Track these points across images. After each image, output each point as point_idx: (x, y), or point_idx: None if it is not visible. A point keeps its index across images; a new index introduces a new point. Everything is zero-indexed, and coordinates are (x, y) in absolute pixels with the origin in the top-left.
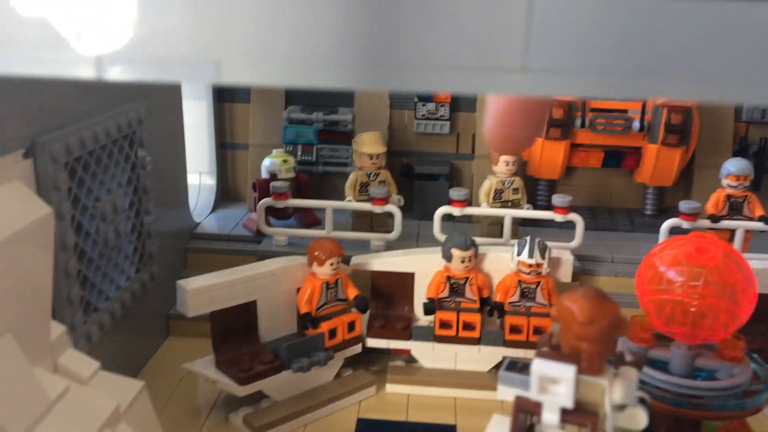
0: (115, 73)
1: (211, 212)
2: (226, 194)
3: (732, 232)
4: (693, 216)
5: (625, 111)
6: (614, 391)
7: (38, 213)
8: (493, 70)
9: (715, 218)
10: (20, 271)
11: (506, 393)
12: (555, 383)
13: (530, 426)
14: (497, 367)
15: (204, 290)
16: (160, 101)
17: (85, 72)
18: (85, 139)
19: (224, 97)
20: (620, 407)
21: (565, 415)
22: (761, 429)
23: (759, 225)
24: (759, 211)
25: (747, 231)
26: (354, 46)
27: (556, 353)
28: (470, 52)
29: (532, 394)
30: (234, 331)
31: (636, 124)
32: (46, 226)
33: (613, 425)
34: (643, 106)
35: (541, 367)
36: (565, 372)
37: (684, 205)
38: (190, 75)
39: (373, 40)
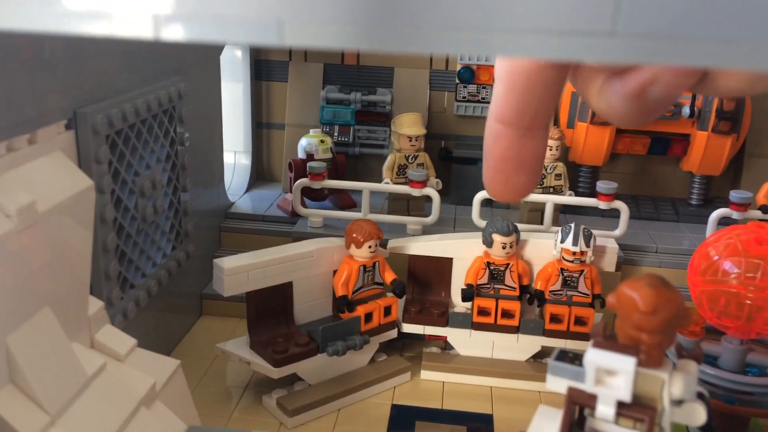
0: (173, 33)
1: (245, 192)
2: (261, 174)
3: None
4: (743, 206)
5: None
6: (674, 384)
7: (80, 185)
8: (576, 33)
9: (766, 209)
10: (60, 243)
11: (556, 384)
12: (612, 375)
13: (580, 418)
14: (535, 356)
15: (240, 270)
16: (199, 78)
17: (142, 31)
18: (127, 112)
19: (261, 75)
20: (678, 402)
21: (622, 408)
22: None
23: None
24: None
25: None
26: (429, 5)
27: (614, 343)
28: (550, 13)
29: (587, 386)
30: (269, 312)
31: (686, 110)
32: (88, 199)
33: (670, 421)
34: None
35: (597, 357)
36: (625, 364)
37: (734, 195)
38: (250, 36)
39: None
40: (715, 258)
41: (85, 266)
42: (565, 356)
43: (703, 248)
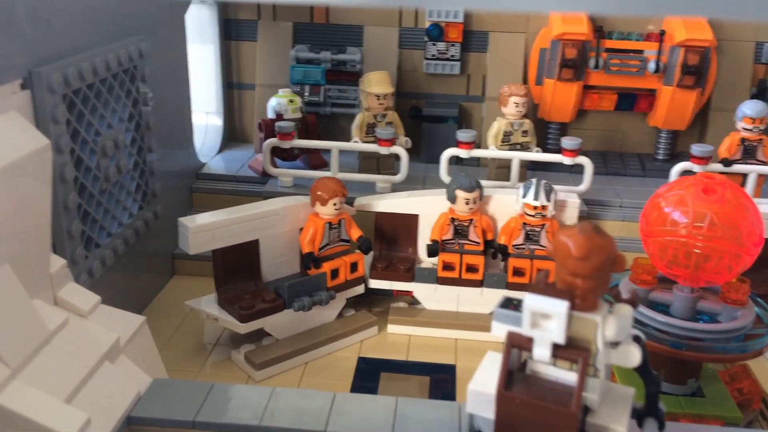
0: None
1: (217, 153)
2: (233, 135)
3: (744, 176)
4: (705, 159)
5: (640, 51)
6: (607, 327)
7: (36, 144)
8: None
9: (727, 162)
10: (18, 201)
11: (500, 329)
12: (547, 319)
13: (524, 362)
14: None
15: (205, 228)
16: (164, 37)
17: None
18: (85, 71)
19: (231, 35)
20: (614, 344)
21: (557, 350)
22: (763, 372)
23: None
24: None
25: (760, 175)
26: None
27: (550, 288)
28: None
29: (524, 330)
30: (236, 269)
31: (651, 65)
32: (44, 157)
33: (606, 362)
34: (660, 46)
35: (533, 302)
36: (557, 307)
37: (696, 149)
38: None
39: None
40: (666, 209)
41: (45, 224)
42: (509, 303)
43: (654, 199)
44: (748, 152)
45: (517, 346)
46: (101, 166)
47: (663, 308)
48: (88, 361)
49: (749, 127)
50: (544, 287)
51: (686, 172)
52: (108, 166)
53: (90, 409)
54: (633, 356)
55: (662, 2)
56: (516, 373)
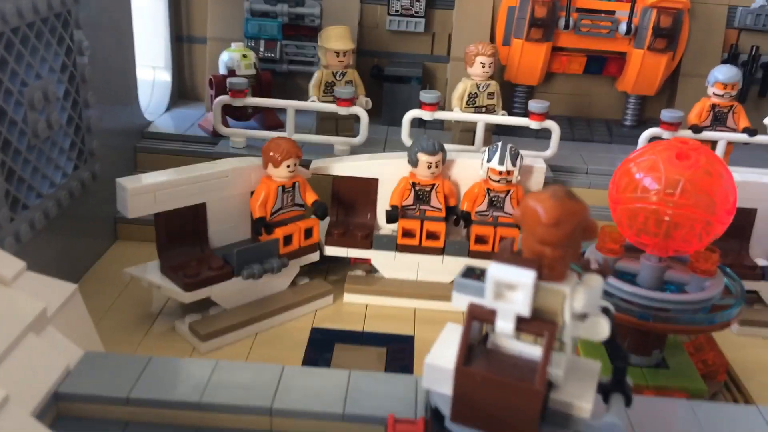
0: None
1: (166, 111)
2: (183, 92)
3: (714, 143)
4: (674, 125)
5: (612, 12)
6: (575, 299)
7: None
8: None
9: (696, 128)
10: None
11: (460, 300)
12: (512, 289)
13: (485, 335)
14: None
15: (146, 189)
16: None
17: None
18: (8, 13)
19: None
20: (581, 316)
21: (521, 323)
22: (727, 343)
23: (742, 137)
24: (744, 123)
25: (729, 143)
26: None
27: (516, 257)
28: None
29: (487, 301)
30: (181, 235)
31: (623, 27)
32: None
33: (573, 335)
34: (632, 7)
35: (497, 271)
36: (524, 277)
37: (666, 114)
38: None
39: None
40: (637, 175)
41: None
42: (471, 273)
43: (625, 164)
44: (719, 119)
45: (479, 318)
46: (29, 119)
47: (630, 278)
48: (9, 333)
49: (720, 92)
50: (510, 256)
51: (655, 138)
52: (37, 120)
53: (11, 384)
54: (602, 329)
55: None
56: (476, 346)
